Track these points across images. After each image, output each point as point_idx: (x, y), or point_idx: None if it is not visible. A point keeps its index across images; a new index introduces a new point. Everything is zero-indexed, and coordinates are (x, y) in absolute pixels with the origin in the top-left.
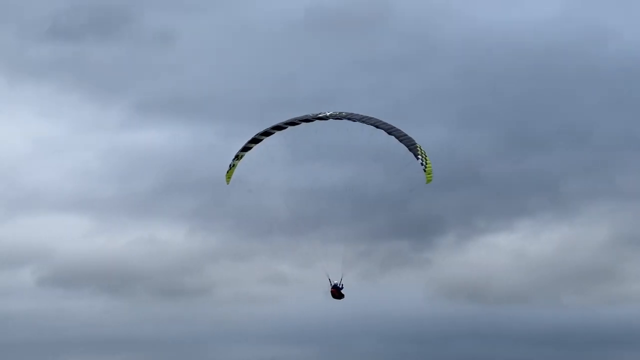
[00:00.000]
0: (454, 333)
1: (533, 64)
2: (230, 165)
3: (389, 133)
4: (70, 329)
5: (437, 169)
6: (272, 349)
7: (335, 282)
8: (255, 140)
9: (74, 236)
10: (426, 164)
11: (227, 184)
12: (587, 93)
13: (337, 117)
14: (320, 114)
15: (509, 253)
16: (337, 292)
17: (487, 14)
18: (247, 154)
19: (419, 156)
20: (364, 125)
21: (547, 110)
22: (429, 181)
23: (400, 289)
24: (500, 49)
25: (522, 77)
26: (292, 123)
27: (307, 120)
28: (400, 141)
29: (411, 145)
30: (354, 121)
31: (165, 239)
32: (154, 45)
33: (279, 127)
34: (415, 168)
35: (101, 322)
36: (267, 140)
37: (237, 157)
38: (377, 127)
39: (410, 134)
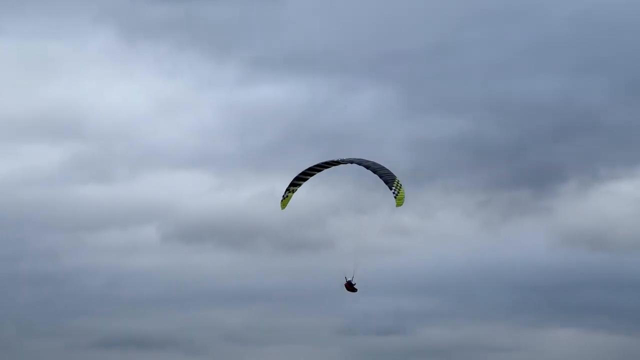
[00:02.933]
0: (577, 282)
1: None
2: (284, 196)
3: (374, 171)
4: (195, 283)
5: (553, 118)
6: (396, 301)
7: (349, 279)
8: (300, 179)
9: (197, 192)
10: (398, 192)
11: (282, 209)
12: None
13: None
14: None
15: (632, 200)
16: (350, 286)
17: None
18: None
19: (393, 187)
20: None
21: None
22: (398, 205)
23: (522, 238)
24: None
25: (638, 26)
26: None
27: (331, 164)
28: (380, 177)
29: (389, 181)
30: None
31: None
32: (265, 1)
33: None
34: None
35: (225, 276)
36: None
37: (290, 190)
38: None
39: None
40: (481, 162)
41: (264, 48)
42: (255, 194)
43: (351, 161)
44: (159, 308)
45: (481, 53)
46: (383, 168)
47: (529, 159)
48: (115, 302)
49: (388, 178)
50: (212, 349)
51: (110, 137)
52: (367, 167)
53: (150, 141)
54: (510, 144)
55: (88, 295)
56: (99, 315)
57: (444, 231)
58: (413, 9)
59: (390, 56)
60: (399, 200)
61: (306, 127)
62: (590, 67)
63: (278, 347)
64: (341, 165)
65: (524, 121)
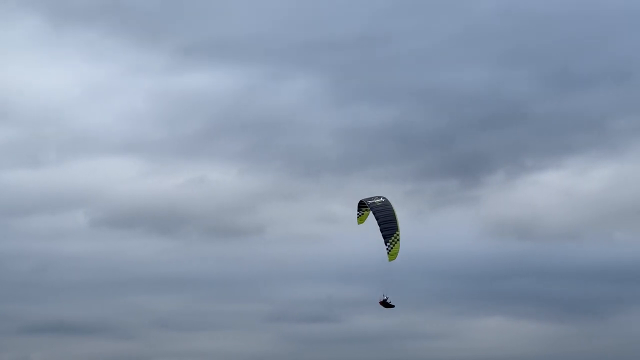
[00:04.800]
0: (504, 270)
1: (574, 4)
2: (358, 215)
3: (378, 224)
4: (124, 269)
5: (481, 108)
6: (326, 289)
7: (384, 298)
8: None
9: (126, 178)
10: (392, 248)
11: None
12: (628, 32)
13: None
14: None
15: (558, 190)
16: (385, 304)
17: None
18: None
19: (388, 243)
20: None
21: (590, 50)
22: (390, 260)
23: (450, 227)
24: None
25: (564, 18)
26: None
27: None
28: (380, 231)
29: (386, 236)
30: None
31: (216, 180)
32: None
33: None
34: None
35: (154, 262)
36: None
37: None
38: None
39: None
40: (410, 152)
41: (195, 35)
42: (186, 180)
43: (375, 203)
44: (87, 294)
45: (410, 43)
46: (388, 222)
47: (456, 149)
48: (43, 287)
49: (387, 233)
50: (141, 334)
51: (38, 122)
52: (377, 219)
53: (80, 126)
54: (438, 134)
55: (15, 281)
56: (27, 301)
57: (373, 220)
58: None
59: (320, 45)
60: (391, 255)
61: (236, 114)
62: (518, 58)
63: (208, 333)
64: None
65: (452, 111)
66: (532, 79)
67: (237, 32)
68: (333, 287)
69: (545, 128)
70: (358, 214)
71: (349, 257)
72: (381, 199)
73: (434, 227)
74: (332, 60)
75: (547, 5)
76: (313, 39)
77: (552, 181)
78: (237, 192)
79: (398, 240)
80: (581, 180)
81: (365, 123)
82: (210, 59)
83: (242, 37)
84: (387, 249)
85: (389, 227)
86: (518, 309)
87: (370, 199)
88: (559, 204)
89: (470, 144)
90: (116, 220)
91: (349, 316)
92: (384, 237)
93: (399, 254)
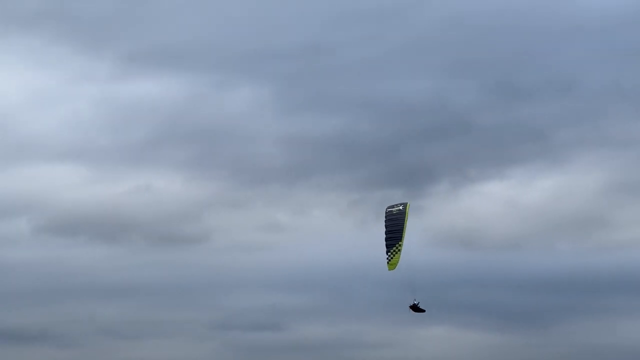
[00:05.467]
0: (449, 280)
1: (519, 16)
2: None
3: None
4: (68, 277)
5: (426, 118)
6: (271, 297)
7: (416, 302)
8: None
9: (70, 185)
10: (392, 258)
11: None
12: (572, 45)
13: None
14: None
15: (501, 201)
16: (416, 308)
17: None
18: None
19: (389, 253)
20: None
21: (534, 61)
22: (390, 269)
23: None
24: (487, 1)
25: (509, 30)
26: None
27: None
28: (385, 240)
29: (388, 245)
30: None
31: (161, 187)
32: None
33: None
34: None
35: (99, 269)
36: None
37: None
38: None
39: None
40: (355, 161)
41: (140, 42)
42: (131, 188)
43: (392, 212)
44: (31, 301)
45: (355, 53)
46: (394, 232)
47: (401, 159)
48: None
49: (390, 243)
50: (85, 342)
51: None
52: (385, 227)
53: (23, 133)
54: (383, 144)
55: None
56: None
57: (318, 229)
58: (289, 7)
59: (265, 54)
60: (390, 265)
61: (181, 122)
62: (462, 69)
63: (153, 341)
64: None
65: (397, 121)
66: (477, 90)
67: (182, 40)
68: (278, 295)
69: (489, 139)
70: (388, 258)
71: (293, 266)
72: (399, 208)
73: (379, 236)
74: (278, 70)
75: (491, 17)
76: (259, 47)
77: (496, 192)
78: (182, 200)
79: (399, 250)
80: (524, 191)
81: (310, 132)
82: (156, 67)
83: (188, 45)
84: (387, 258)
85: (393, 236)
86: (462, 319)
87: (392, 206)
88: (503, 214)
89: (415, 154)
90: (60, 228)
91: (294, 324)
92: (387, 246)
93: (399, 264)
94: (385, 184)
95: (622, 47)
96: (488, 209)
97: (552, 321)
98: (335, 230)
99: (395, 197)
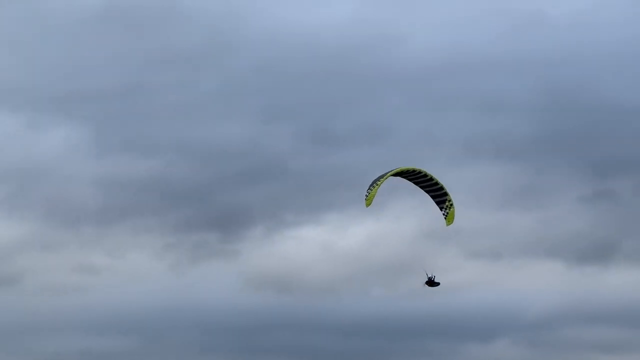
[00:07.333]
0: (265, 324)
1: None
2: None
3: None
4: None
5: (241, 163)
6: (85, 340)
7: (429, 275)
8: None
9: None
10: (448, 212)
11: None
12: (387, 93)
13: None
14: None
15: (317, 245)
16: (431, 282)
17: (287, 12)
18: None
19: (443, 208)
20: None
21: (349, 108)
22: (448, 224)
23: (210, 280)
24: (300, 47)
25: (325, 77)
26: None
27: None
28: (432, 197)
29: (439, 202)
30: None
31: None
32: None
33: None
34: None
35: None
36: None
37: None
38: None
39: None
40: (170, 204)
41: None
42: None
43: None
44: None
45: (170, 96)
46: (433, 185)
47: (216, 203)
48: None
49: (439, 200)
50: None
51: None
52: (417, 184)
53: None
54: (198, 187)
55: None
56: None
57: (133, 271)
58: (105, 49)
59: (81, 95)
60: (449, 220)
61: None
62: (277, 114)
63: None
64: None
65: (212, 165)
66: (292, 135)
67: None
68: (91, 339)
69: (304, 184)
70: (368, 193)
71: (107, 309)
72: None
73: (194, 280)
74: (93, 111)
75: (307, 64)
76: (74, 88)
77: (312, 236)
78: None
79: (452, 204)
80: (340, 236)
81: (126, 174)
82: None
83: (1, 84)
84: (443, 215)
85: (437, 193)
86: None
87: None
88: (318, 259)
89: (230, 198)
90: None
91: None
92: (437, 203)
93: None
94: (201, 228)
95: (436, 96)
96: (304, 253)
97: None
98: (149, 273)
99: (210, 240)
